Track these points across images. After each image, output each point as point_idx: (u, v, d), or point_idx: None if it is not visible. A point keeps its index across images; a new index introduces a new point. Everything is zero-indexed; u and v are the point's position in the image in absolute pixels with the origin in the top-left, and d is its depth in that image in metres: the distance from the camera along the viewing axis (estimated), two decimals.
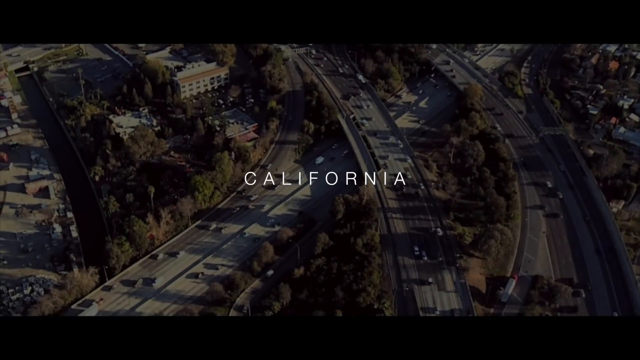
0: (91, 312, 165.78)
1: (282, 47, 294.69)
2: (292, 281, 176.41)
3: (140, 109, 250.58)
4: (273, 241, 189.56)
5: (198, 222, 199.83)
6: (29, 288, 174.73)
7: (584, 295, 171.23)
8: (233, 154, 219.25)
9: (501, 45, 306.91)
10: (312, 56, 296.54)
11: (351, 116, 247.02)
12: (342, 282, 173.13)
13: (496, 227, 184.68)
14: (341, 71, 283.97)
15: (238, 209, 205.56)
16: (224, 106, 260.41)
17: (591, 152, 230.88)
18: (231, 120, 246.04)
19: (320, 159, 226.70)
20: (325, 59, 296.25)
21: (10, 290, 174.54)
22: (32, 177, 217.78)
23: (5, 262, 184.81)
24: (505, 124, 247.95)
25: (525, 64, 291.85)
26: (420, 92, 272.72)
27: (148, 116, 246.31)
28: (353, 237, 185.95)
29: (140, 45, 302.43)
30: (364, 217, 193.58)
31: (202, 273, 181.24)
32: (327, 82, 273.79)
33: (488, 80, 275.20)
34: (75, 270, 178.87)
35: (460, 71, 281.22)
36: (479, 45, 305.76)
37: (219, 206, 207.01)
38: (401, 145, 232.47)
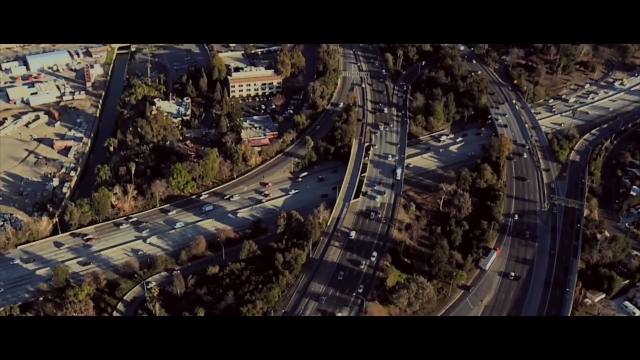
0: None
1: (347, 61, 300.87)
2: (204, 277, 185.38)
3: (185, 98, 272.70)
4: (212, 239, 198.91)
5: (165, 205, 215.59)
6: (1, 222, 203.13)
7: None
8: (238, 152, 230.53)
9: (579, 108, 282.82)
10: (370, 80, 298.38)
11: (366, 144, 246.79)
12: (240, 289, 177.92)
13: (416, 279, 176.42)
14: (391, 100, 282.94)
15: (206, 202, 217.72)
16: (262, 111, 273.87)
17: (605, 234, 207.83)
18: (256, 125, 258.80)
19: (304, 173, 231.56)
20: (382, 84, 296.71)
21: None
22: (67, 137, 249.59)
23: (0, 198, 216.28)
24: (522, 185, 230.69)
25: (593, 131, 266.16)
26: (460, 136, 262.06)
27: (187, 106, 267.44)
28: (280, 252, 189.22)
29: (231, 45, 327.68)
30: (303, 236, 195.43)
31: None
32: (369, 107, 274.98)
33: (536, 138, 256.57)
34: (44, 219, 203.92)
35: (513, 124, 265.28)
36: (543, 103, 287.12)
37: (194, 196, 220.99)
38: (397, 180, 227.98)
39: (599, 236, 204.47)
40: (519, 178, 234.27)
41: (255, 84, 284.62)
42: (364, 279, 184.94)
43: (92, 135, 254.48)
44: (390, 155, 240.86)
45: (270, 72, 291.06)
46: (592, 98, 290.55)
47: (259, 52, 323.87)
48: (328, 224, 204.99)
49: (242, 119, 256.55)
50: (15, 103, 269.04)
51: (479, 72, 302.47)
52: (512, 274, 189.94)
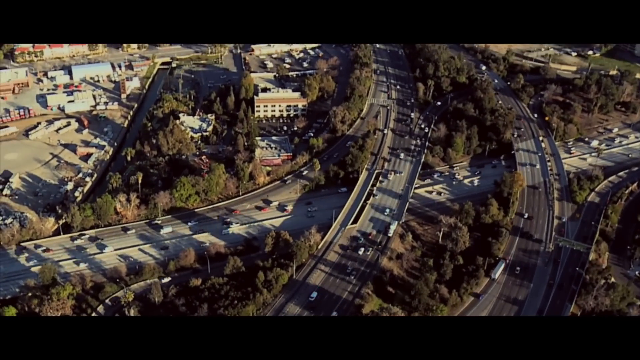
0: None
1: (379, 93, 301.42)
2: (186, 288, 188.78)
3: (209, 115, 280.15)
4: (203, 252, 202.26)
5: (167, 216, 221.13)
6: (10, 219, 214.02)
7: None
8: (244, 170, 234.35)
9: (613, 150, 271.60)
10: (395, 109, 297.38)
11: (376, 171, 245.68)
12: (214, 303, 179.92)
13: (389, 309, 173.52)
14: (413, 130, 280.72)
15: (206, 217, 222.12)
16: (283, 132, 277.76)
17: (610, 280, 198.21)
18: (273, 145, 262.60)
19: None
20: (409, 114, 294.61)
21: (1, 217, 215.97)
22: (91, 144, 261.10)
23: (16, 196, 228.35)
24: (530, 224, 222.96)
25: (621, 174, 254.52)
26: (477, 170, 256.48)
27: (209, 122, 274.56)
28: (264, 270, 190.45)
29: (269, 65, 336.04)
30: (290, 257, 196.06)
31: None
32: (389, 135, 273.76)
33: (555, 177, 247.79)
34: (50, 219, 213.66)
35: (535, 161, 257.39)
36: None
37: (196, 210, 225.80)
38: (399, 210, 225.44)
39: (602, 282, 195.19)
40: (527, 216, 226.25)
41: (280, 105, 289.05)
42: (342, 304, 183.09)
43: (115, 144, 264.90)
44: (387, 209, 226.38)
45: (296, 94, 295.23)
46: (620, 142, 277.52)
47: (294, 75, 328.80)
48: (319, 247, 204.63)
49: (258, 138, 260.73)
50: (52, 109, 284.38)
51: (503, 102, 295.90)
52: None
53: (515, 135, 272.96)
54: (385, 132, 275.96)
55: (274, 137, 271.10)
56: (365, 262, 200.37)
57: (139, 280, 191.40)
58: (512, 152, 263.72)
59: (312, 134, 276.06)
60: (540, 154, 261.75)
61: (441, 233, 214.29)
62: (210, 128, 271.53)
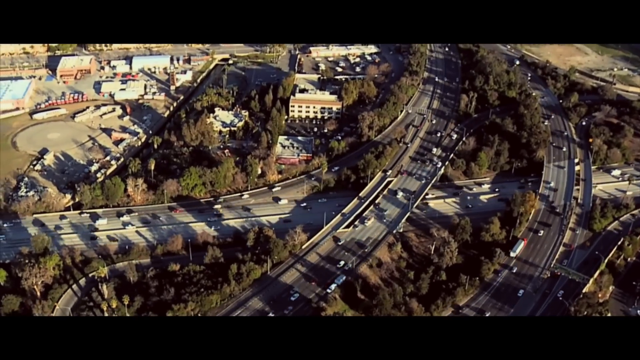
0: None
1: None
2: (164, 272, 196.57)
3: (243, 111, 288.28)
4: (191, 240, 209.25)
5: (172, 203, 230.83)
6: (32, 192, 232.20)
7: None
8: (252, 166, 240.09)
9: None
10: (432, 119, 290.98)
11: (388, 179, 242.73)
12: (183, 289, 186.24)
13: (341, 315, 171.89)
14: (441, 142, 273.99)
15: (207, 207, 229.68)
16: (312, 134, 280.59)
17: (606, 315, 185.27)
18: (296, 145, 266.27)
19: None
20: (444, 125, 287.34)
21: (26, 189, 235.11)
22: (127, 130, 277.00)
23: (45, 172, 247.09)
24: (533, 247, 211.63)
25: None
26: (497, 187, 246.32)
27: (242, 118, 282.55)
28: (239, 263, 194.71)
29: (322, 68, 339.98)
30: (268, 253, 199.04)
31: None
32: (415, 144, 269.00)
33: (578, 201, 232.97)
34: (67, 196, 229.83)
35: (562, 184, 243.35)
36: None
37: (201, 199, 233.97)
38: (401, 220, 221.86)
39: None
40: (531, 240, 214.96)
41: (314, 107, 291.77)
42: (304, 306, 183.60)
43: (150, 132, 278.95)
44: (341, 262, 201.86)
45: (333, 97, 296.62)
46: None
47: (342, 79, 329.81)
48: (303, 247, 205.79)
49: (284, 137, 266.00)
50: (103, 96, 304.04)
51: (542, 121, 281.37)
52: None
53: (549, 155, 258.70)
54: (412, 141, 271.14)
55: (299, 137, 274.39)
56: (342, 266, 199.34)
57: (125, 260, 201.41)
58: (541, 171, 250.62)
59: (340, 137, 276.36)
60: (569, 176, 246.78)
61: (433, 247, 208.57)
62: (240, 123, 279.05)
